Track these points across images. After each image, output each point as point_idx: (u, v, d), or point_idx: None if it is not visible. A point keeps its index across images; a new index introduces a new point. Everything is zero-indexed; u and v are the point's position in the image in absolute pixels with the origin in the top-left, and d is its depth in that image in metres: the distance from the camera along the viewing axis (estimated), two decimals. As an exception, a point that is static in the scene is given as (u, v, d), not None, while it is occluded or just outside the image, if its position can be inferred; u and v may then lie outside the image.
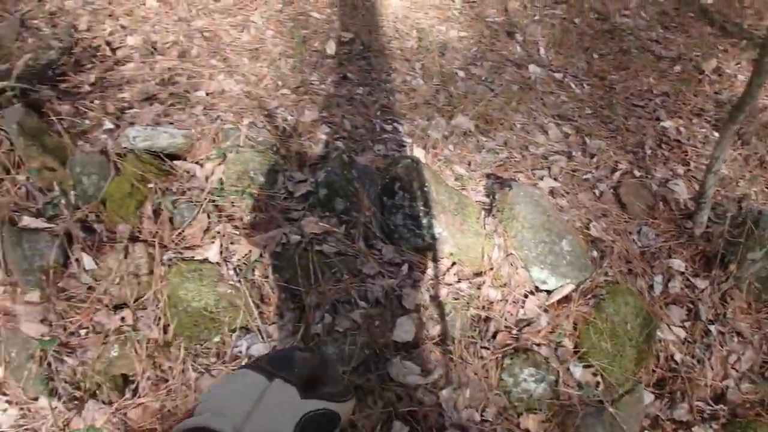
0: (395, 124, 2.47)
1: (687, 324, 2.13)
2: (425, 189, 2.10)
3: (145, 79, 2.24)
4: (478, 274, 2.08)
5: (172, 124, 2.01)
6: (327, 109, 2.36)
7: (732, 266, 2.26)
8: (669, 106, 3.16)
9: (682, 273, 2.30)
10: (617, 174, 2.67)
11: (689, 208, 2.53)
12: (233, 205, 1.85)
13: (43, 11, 2.60)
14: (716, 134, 3.06)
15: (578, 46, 3.41)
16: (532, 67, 3.14)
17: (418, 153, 2.39)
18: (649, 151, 2.85)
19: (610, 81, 3.20)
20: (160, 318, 1.66)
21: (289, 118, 2.18)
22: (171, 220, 1.81)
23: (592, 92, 3.10)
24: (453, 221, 2.11)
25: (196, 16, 2.71)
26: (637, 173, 2.71)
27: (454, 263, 2.10)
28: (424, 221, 2.07)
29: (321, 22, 2.94)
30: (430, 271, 2.01)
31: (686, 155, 2.90)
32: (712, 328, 2.13)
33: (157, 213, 1.79)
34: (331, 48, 2.73)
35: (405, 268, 2.00)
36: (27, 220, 1.72)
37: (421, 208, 2.07)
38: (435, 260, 2.05)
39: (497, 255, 2.13)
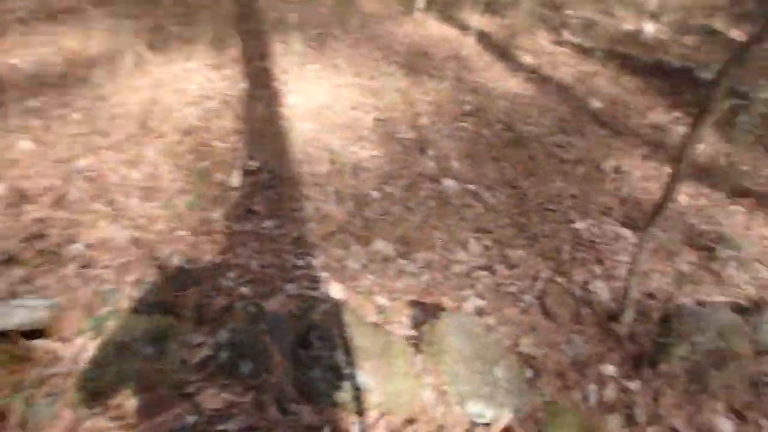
0: (308, 258, 2.28)
1: (626, 430, 2.02)
2: (346, 335, 1.91)
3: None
4: (410, 421, 1.89)
5: (32, 293, 1.70)
6: (230, 249, 2.14)
7: (662, 365, 2.25)
8: (579, 207, 3.26)
9: (614, 378, 2.24)
10: (540, 282, 2.65)
11: (613, 309, 2.52)
12: (110, 389, 1.53)
13: None
14: (625, 230, 3.21)
15: (489, 157, 3.51)
16: (446, 182, 3.16)
17: (336, 288, 2.20)
18: (567, 255, 2.86)
19: (522, 188, 3.28)
20: None
21: (185, 265, 1.93)
22: (23, 426, 1.44)
23: (507, 201, 3.13)
24: (379, 366, 1.93)
25: (80, 155, 2.46)
26: (558, 279, 2.70)
27: (382, 414, 1.89)
28: (346, 371, 1.86)
29: (225, 151, 2.77)
30: (355, 429, 1.79)
31: (601, 254, 2.96)
32: (649, 430, 2.04)
33: (3, 417, 1.42)
34: (235, 179, 2.55)
35: (327, 430, 1.75)
36: None
37: (342, 357, 1.87)
38: (360, 414, 1.84)
39: (429, 395, 1.97)
